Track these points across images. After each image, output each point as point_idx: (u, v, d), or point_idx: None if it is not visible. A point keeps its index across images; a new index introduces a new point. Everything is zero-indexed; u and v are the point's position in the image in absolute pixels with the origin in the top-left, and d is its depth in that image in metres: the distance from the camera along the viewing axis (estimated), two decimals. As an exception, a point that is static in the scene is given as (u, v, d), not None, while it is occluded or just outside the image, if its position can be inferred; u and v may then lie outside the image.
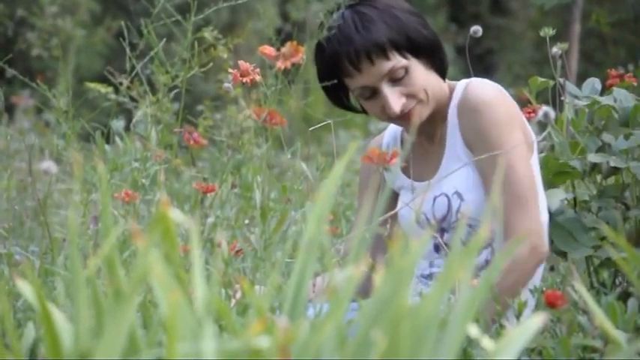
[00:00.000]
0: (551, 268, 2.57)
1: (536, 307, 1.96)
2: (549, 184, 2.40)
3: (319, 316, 1.40)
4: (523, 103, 2.53)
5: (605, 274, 2.49)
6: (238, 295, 2.06)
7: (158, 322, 1.36)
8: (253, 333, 1.17)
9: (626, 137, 2.40)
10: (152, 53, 2.85)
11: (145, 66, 3.02)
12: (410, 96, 2.27)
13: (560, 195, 2.39)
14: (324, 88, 2.37)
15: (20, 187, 3.79)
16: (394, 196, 2.48)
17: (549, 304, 1.79)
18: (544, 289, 2.04)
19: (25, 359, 1.58)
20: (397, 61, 2.24)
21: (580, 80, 2.63)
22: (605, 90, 2.55)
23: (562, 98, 2.57)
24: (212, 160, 4.64)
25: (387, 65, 2.24)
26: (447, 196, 2.30)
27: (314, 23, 2.32)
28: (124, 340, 1.22)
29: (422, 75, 2.27)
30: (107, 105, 3.33)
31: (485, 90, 2.26)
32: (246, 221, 2.82)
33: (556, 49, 2.62)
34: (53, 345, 1.27)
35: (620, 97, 2.46)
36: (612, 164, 2.37)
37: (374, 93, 2.29)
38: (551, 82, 2.57)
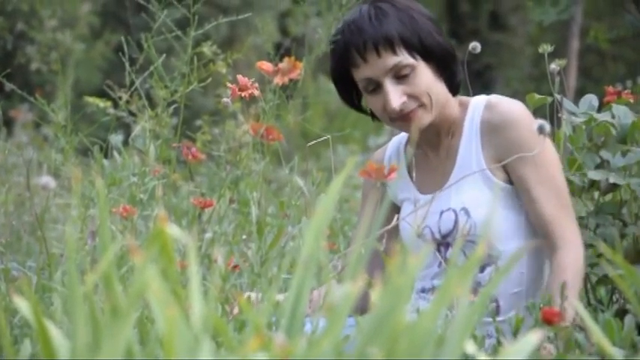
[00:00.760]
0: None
1: (534, 324, 1.96)
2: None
3: (316, 332, 1.40)
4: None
5: (602, 291, 2.49)
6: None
7: (155, 339, 1.36)
8: (250, 349, 1.17)
9: (624, 154, 2.40)
10: (152, 68, 2.85)
11: (144, 80, 3.03)
12: (412, 97, 2.26)
13: None
14: (336, 86, 2.37)
15: (18, 202, 3.79)
16: (395, 209, 2.47)
17: (546, 321, 1.79)
18: (541, 305, 2.04)
19: (22, 375, 1.57)
20: (404, 57, 2.24)
21: (578, 96, 2.63)
22: (603, 107, 2.55)
23: (559, 115, 2.57)
24: (210, 175, 4.64)
25: (393, 60, 2.24)
26: (454, 211, 2.28)
27: (313, 38, 2.33)
28: (121, 357, 1.22)
29: (428, 79, 2.26)
30: (106, 119, 3.33)
31: (513, 106, 2.27)
32: (244, 237, 2.82)
33: (554, 66, 2.62)
34: (50, 361, 1.26)
35: (619, 114, 2.46)
36: (612, 181, 2.38)
37: (378, 87, 2.28)
38: (549, 99, 2.58)
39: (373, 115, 2.39)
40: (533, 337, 1.26)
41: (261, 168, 2.19)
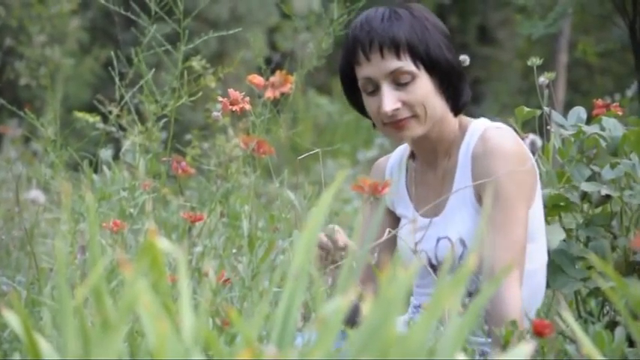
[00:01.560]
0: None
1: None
2: (545, 217, 2.40)
3: (308, 345, 1.40)
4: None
5: (592, 303, 2.49)
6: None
7: (146, 352, 1.35)
8: (241, 363, 1.17)
9: (612, 166, 2.41)
10: (142, 82, 2.85)
11: (134, 95, 3.03)
12: (406, 105, 2.23)
13: (560, 234, 2.39)
14: (342, 84, 2.35)
15: (7, 217, 3.78)
16: (394, 219, 2.46)
17: (537, 332, 1.79)
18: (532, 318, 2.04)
19: (12, 390, 1.57)
20: (406, 64, 2.22)
21: (567, 110, 2.63)
22: (591, 119, 2.56)
23: (548, 127, 2.58)
24: (200, 189, 4.64)
25: (395, 64, 2.22)
26: (450, 240, 2.26)
27: (303, 52, 2.32)
28: (112, 370, 1.22)
29: (426, 91, 2.23)
30: (95, 134, 3.33)
31: (503, 141, 2.21)
32: (234, 250, 2.82)
33: (543, 79, 2.63)
34: (40, 375, 1.26)
35: (609, 126, 2.47)
36: (604, 193, 2.38)
37: (376, 89, 2.25)
38: (538, 112, 2.58)
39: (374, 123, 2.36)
40: (525, 348, 1.26)
41: (252, 182, 2.19)
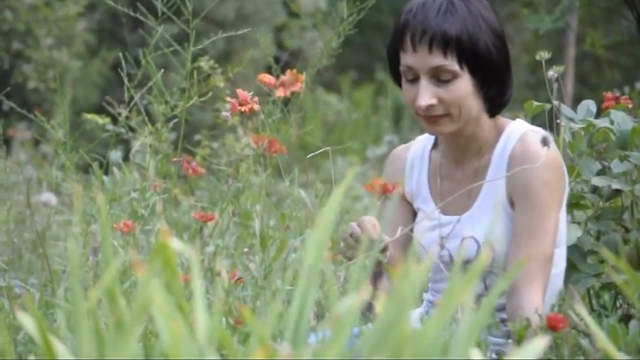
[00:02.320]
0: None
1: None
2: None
3: (321, 343, 1.40)
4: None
5: (606, 297, 2.48)
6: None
7: (160, 352, 1.36)
8: (256, 361, 1.17)
9: (621, 160, 2.40)
10: (150, 83, 2.85)
11: (142, 96, 3.04)
12: (442, 102, 2.19)
13: (576, 232, 2.38)
14: (389, 62, 2.31)
15: (19, 220, 3.79)
16: (412, 213, 2.43)
17: (551, 327, 1.79)
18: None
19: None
20: (451, 63, 2.17)
21: (576, 103, 2.62)
22: (601, 112, 2.55)
23: (558, 121, 2.57)
24: (210, 189, 4.64)
25: (439, 61, 2.17)
26: (477, 241, 2.25)
27: (311, 51, 2.31)
28: (127, 371, 1.22)
29: (465, 91, 2.19)
30: (105, 136, 3.33)
31: (539, 148, 2.16)
32: (246, 249, 2.82)
33: (552, 73, 2.62)
34: (55, 377, 1.26)
35: (618, 120, 2.46)
36: (615, 187, 2.37)
37: (416, 79, 2.22)
38: (547, 106, 2.57)
39: None
40: (539, 343, 1.26)
41: (263, 181, 2.19)
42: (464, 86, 2.19)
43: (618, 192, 2.43)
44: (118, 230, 2.33)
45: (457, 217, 2.27)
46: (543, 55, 2.65)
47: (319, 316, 2.00)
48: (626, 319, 2.30)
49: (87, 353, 1.26)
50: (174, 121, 3.01)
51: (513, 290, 2.13)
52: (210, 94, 2.97)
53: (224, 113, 2.46)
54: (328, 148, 2.45)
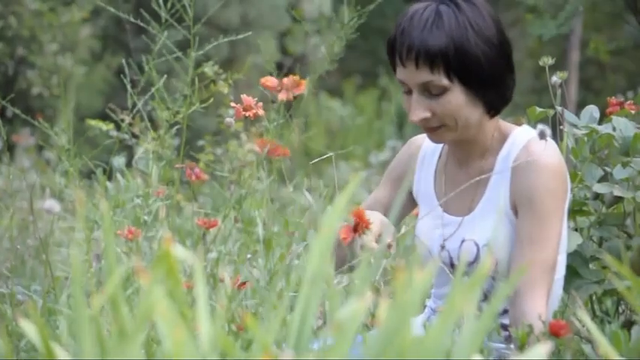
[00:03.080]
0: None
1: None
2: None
3: (324, 349, 1.40)
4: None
5: (608, 303, 2.48)
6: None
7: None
8: (258, 368, 1.17)
9: (624, 166, 2.40)
10: (153, 90, 2.86)
11: (146, 102, 3.04)
12: (436, 115, 2.20)
13: (577, 239, 2.38)
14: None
15: (22, 226, 3.80)
16: (411, 202, 2.44)
17: (553, 333, 1.79)
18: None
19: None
20: (438, 78, 2.17)
21: (579, 108, 2.62)
22: (605, 118, 2.55)
23: (561, 127, 2.57)
24: (214, 194, 4.65)
25: (427, 77, 2.17)
26: (476, 244, 2.25)
27: (314, 56, 2.32)
28: (129, 378, 1.22)
29: (458, 103, 2.19)
30: (108, 142, 3.33)
31: (549, 157, 2.18)
32: (249, 255, 2.83)
33: (556, 78, 2.62)
34: (58, 384, 1.26)
35: (620, 126, 2.46)
36: (617, 194, 2.37)
37: (409, 91, 2.24)
38: (551, 112, 2.57)
39: None
40: (541, 349, 1.26)
41: (266, 186, 2.19)
42: (455, 99, 2.19)
43: (620, 198, 2.43)
44: (121, 237, 2.33)
45: (459, 217, 2.27)
46: (547, 60, 2.64)
47: (324, 322, 2.00)
48: (628, 325, 2.30)
49: (89, 360, 1.26)
50: (177, 127, 3.02)
51: (516, 297, 2.13)
52: (212, 100, 2.97)
53: (227, 119, 2.46)
54: (331, 153, 2.46)
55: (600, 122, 2.54)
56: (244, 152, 4.37)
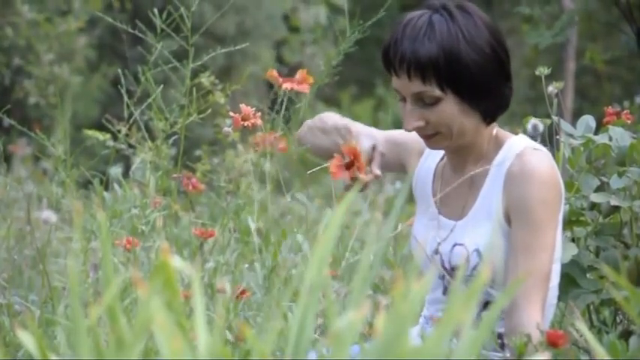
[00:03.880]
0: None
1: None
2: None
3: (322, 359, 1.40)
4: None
5: (606, 313, 2.48)
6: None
7: (161, 370, 1.35)
8: (256, 379, 1.17)
9: (620, 175, 2.40)
10: (150, 100, 2.86)
11: (143, 112, 3.04)
12: (430, 124, 2.21)
13: (572, 250, 2.38)
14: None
15: (19, 236, 3.79)
16: (397, 160, 2.47)
17: (551, 343, 1.79)
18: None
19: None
20: (431, 89, 2.18)
21: (575, 117, 2.63)
22: (602, 127, 2.55)
23: (557, 137, 2.57)
24: (211, 204, 4.65)
25: (419, 87, 2.19)
26: (467, 249, 2.25)
27: (310, 66, 2.33)
28: (127, 389, 1.22)
29: (452, 113, 2.20)
30: (105, 152, 3.33)
31: (540, 163, 2.19)
32: (246, 265, 2.82)
33: (552, 88, 2.62)
34: (56, 395, 1.26)
35: (616, 136, 2.46)
36: (613, 203, 2.37)
37: (404, 99, 2.25)
38: (547, 121, 2.58)
39: None
40: (540, 358, 1.26)
41: (263, 196, 2.19)
42: (448, 108, 2.20)
43: (617, 208, 2.43)
44: (118, 247, 2.33)
45: (453, 221, 2.28)
46: (543, 70, 2.65)
47: (322, 332, 2.00)
48: (626, 335, 2.30)
49: (87, 371, 1.26)
50: (175, 137, 3.02)
51: (512, 307, 2.13)
52: (209, 110, 2.98)
53: (225, 128, 2.46)
54: (328, 163, 2.45)
55: (597, 132, 2.54)
56: (241, 162, 4.37)
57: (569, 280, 2.37)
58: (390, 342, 1.23)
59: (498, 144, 2.29)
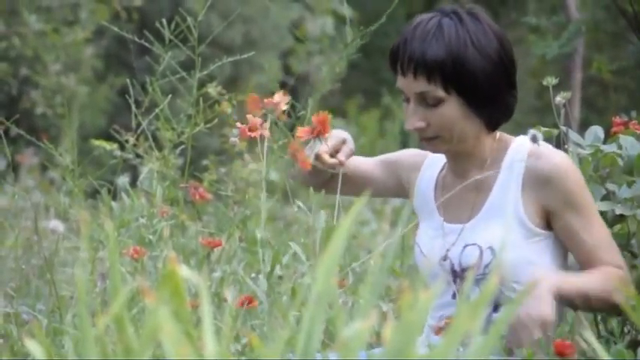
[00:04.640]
0: (559, 318, 2.56)
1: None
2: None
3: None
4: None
5: (613, 323, 2.47)
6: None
7: (168, 379, 1.35)
8: (264, 388, 1.17)
9: (629, 185, 2.40)
10: (157, 110, 2.87)
11: (150, 122, 3.05)
12: (431, 126, 2.23)
13: None
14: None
15: (26, 246, 3.79)
16: (395, 184, 2.50)
17: (559, 353, 1.78)
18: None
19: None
20: (435, 89, 2.21)
21: (582, 127, 2.63)
22: (609, 137, 2.55)
23: (566, 147, 2.57)
24: (218, 214, 4.65)
25: (423, 87, 2.21)
26: (479, 248, 2.26)
27: (317, 76, 2.33)
28: (135, 398, 1.22)
29: (454, 116, 2.22)
30: (113, 162, 3.34)
31: (559, 159, 2.25)
32: (253, 275, 2.83)
33: (559, 99, 2.62)
34: (63, 404, 1.26)
35: (626, 145, 2.46)
36: (618, 212, 2.37)
37: (408, 99, 2.27)
38: (555, 131, 2.58)
39: None
40: None
41: (270, 206, 2.19)
42: (450, 111, 2.23)
43: (622, 217, 2.43)
44: (126, 256, 2.33)
45: (460, 225, 2.28)
46: (550, 80, 2.65)
47: (328, 342, 2.00)
48: (633, 345, 2.30)
49: (95, 380, 1.26)
50: (182, 147, 3.02)
51: (596, 262, 2.24)
52: (216, 120, 2.98)
53: (232, 138, 2.47)
54: (335, 171, 2.45)
55: (604, 142, 2.54)
56: (248, 172, 4.38)
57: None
58: (397, 351, 1.23)
59: (503, 146, 2.31)
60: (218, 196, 4.47)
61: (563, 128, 2.58)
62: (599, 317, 2.48)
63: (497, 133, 2.31)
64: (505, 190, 2.25)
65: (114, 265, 1.38)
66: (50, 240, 3.43)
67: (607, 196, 2.45)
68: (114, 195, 2.82)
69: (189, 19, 2.94)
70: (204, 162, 4.90)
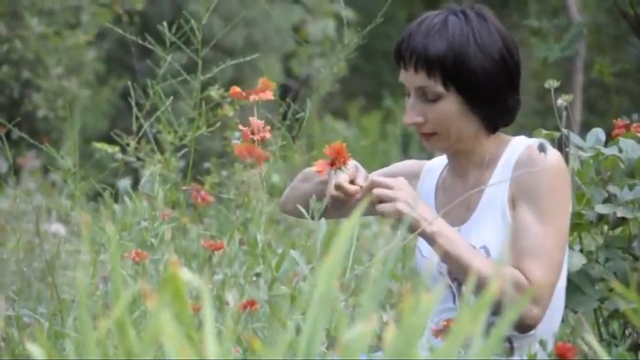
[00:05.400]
0: (561, 320, 2.56)
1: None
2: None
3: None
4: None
5: (615, 326, 2.47)
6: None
7: (169, 382, 1.35)
8: (265, 391, 1.17)
9: (631, 188, 2.40)
10: (159, 112, 2.87)
11: (151, 125, 3.05)
12: (428, 121, 2.24)
13: (580, 260, 2.37)
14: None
15: (28, 249, 3.79)
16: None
17: (560, 356, 1.78)
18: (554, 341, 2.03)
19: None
20: (434, 84, 2.22)
21: (583, 130, 2.63)
22: (611, 140, 2.55)
23: (567, 149, 2.57)
24: (219, 217, 4.65)
25: (423, 81, 2.22)
26: (474, 248, 2.26)
27: (317, 78, 2.34)
28: (136, 401, 1.22)
29: (452, 113, 2.22)
30: (114, 165, 3.34)
31: (551, 153, 2.21)
32: (254, 278, 2.83)
33: (561, 101, 2.62)
34: (65, 407, 1.26)
35: (627, 148, 2.46)
36: (620, 215, 2.37)
37: (409, 94, 2.27)
38: (556, 134, 2.58)
39: None
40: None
41: (271, 209, 2.19)
42: (448, 107, 2.23)
43: (624, 220, 2.43)
44: (127, 259, 2.33)
45: (456, 228, 2.28)
46: (552, 83, 2.65)
47: (330, 345, 2.00)
48: (635, 347, 2.30)
49: (96, 383, 1.26)
50: (184, 150, 3.02)
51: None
52: (218, 123, 2.98)
53: (234, 141, 2.47)
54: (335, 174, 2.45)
55: (606, 144, 2.54)
56: (249, 175, 4.37)
57: (576, 289, 2.37)
58: (398, 354, 1.23)
59: (502, 146, 2.31)
60: (220, 199, 4.47)
61: (565, 131, 2.58)
62: (600, 320, 2.48)
63: (499, 134, 2.31)
64: (497, 188, 2.24)
65: (115, 268, 1.38)
66: (52, 243, 3.44)
67: (608, 199, 2.45)
68: (115, 198, 2.82)
69: (192, 21, 2.94)
70: (206, 165, 4.90)
